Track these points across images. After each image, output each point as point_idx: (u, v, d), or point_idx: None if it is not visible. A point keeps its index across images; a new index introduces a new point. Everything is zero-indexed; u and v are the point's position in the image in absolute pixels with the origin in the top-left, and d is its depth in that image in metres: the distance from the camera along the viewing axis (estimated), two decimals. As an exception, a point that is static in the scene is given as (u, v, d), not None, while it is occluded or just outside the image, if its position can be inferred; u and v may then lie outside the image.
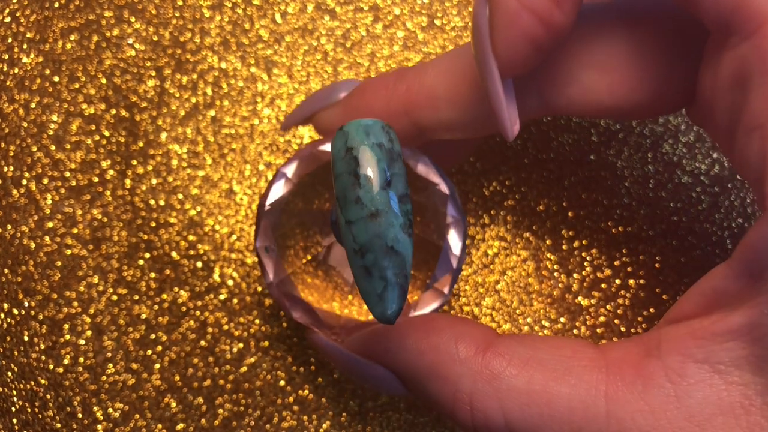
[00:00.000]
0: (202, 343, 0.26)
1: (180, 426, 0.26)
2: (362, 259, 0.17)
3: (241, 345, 0.26)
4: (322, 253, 0.23)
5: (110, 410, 0.26)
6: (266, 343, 0.26)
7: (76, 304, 0.26)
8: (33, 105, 0.27)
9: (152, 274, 0.26)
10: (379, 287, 0.17)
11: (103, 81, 0.28)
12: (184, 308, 0.26)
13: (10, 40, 0.28)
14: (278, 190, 0.23)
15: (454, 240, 0.23)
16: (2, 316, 0.26)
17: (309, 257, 0.23)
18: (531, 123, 0.27)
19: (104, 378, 0.26)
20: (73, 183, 0.27)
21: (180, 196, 0.27)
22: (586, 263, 0.27)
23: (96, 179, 0.27)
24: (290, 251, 0.24)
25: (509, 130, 0.19)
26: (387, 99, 0.22)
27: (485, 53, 0.18)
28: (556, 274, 0.27)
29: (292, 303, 0.23)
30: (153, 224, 0.27)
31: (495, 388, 0.18)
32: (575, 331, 0.26)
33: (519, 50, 0.18)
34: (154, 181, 0.27)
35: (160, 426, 0.26)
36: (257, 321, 0.26)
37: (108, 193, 0.27)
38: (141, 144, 0.27)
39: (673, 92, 0.19)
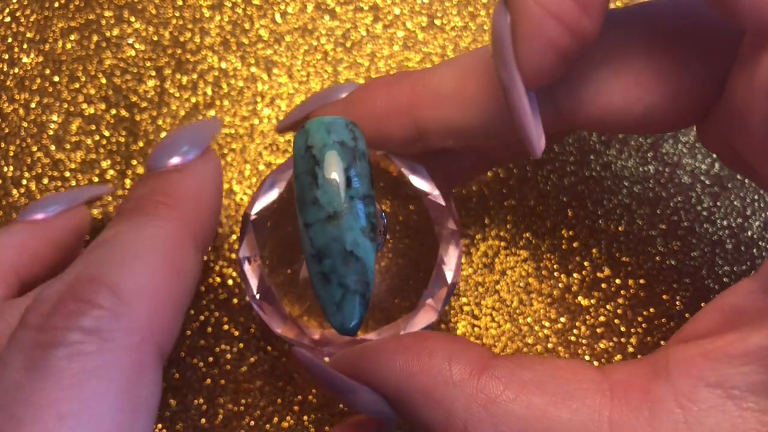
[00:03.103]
0: (202, 343, 0.26)
1: (180, 426, 0.26)
2: (319, 264, 0.16)
3: (241, 345, 0.26)
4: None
5: (110, 410, 0.26)
6: (266, 343, 0.26)
7: (76, 304, 0.26)
8: (33, 105, 0.27)
9: (152, 274, 0.26)
10: (338, 295, 0.16)
11: (103, 81, 0.28)
12: (184, 308, 0.26)
13: (10, 40, 0.28)
14: (266, 198, 0.21)
15: (450, 253, 0.21)
16: (2, 316, 0.26)
17: (292, 269, 0.21)
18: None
19: (104, 378, 0.26)
20: (73, 183, 0.27)
21: (180, 196, 0.27)
22: (586, 263, 0.27)
23: (96, 179, 0.27)
24: (274, 262, 0.22)
25: (537, 146, 0.18)
26: (389, 96, 0.21)
27: (508, 65, 0.17)
28: (556, 274, 0.27)
29: (274, 317, 0.21)
30: (153, 224, 0.27)
31: (491, 413, 0.17)
32: (575, 331, 0.26)
33: (545, 61, 0.16)
34: (154, 181, 0.27)
35: (160, 426, 0.26)
36: (257, 321, 0.26)
37: (108, 193, 0.27)
38: (141, 144, 0.27)
39: (689, 100, 0.18)
